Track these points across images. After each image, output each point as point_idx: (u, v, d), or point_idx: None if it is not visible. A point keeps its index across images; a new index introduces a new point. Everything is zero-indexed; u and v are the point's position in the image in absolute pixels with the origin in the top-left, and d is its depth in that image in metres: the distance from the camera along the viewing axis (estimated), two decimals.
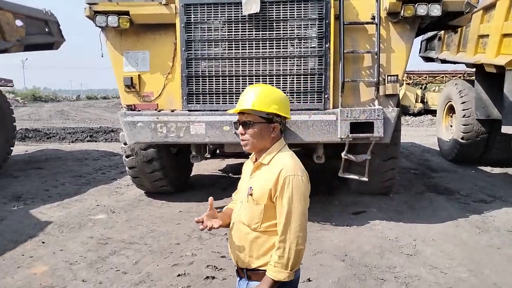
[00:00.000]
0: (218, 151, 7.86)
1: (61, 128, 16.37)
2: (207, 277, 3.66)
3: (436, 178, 7.58)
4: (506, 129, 7.34)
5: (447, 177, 7.65)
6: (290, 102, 4.81)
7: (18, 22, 8.37)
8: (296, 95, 4.85)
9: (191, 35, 4.89)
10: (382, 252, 4.17)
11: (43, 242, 4.61)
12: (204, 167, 8.49)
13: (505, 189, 6.68)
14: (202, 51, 4.91)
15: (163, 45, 5.10)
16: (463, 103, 8.85)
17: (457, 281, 3.55)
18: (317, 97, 4.83)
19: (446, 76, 21.10)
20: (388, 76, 4.79)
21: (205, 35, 4.87)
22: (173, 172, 6.32)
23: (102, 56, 5.34)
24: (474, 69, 9.04)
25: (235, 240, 1.97)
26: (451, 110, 9.77)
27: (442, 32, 9.84)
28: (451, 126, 9.76)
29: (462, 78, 17.95)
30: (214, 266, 3.87)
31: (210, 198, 2.00)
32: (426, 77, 21.47)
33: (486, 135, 8.51)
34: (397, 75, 4.80)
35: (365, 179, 4.98)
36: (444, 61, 10.28)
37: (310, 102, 4.84)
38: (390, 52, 4.83)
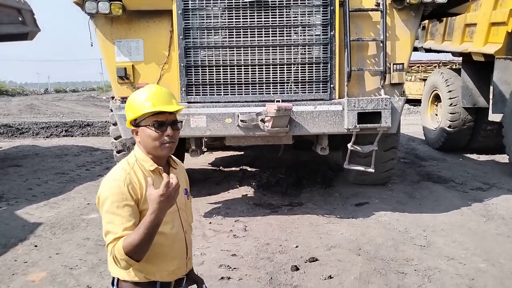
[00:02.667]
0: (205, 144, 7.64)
1: (33, 123, 15.60)
2: (222, 278, 3.48)
3: (427, 167, 7.62)
4: (493, 117, 7.45)
5: (438, 166, 7.70)
6: (295, 93, 4.70)
7: None
8: (301, 85, 4.69)
9: (189, 23, 4.63)
10: (395, 245, 4.09)
11: (35, 246, 4.30)
12: (193, 161, 8.20)
13: (497, 176, 6.77)
14: (201, 39, 4.67)
15: (157, 33, 4.81)
16: (449, 91, 8.92)
17: (478, 272, 3.51)
18: (322, 87, 4.69)
19: (422, 66, 21.40)
20: (393, 64, 4.69)
21: (204, 22, 4.63)
22: None
23: (92, 45, 5.01)
24: (460, 58, 9.14)
25: (188, 249, 1.88)
26: (436, 99, 9.85)
27: (426, 21, 9.89)
28: (437, 114, 9.85)
29: (437, 67, 18.27)
30: (227, 266, 3.68)
31: (165, 174, 1.64)
32: None
33: (472, 123, 8.62)
34: (402, 64, 4.70)
35: (371, 170, 4.90)
36: (428, 50, 10.35)
37: (315, 92, 4.69)
38: (395, 40, 4.73)
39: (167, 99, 1.74)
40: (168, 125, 1.72)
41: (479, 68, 8.03)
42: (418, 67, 22.06)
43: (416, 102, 18.07)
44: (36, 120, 16.92)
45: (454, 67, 14.81)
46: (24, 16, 8.88)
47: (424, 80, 17.04)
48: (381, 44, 4.62)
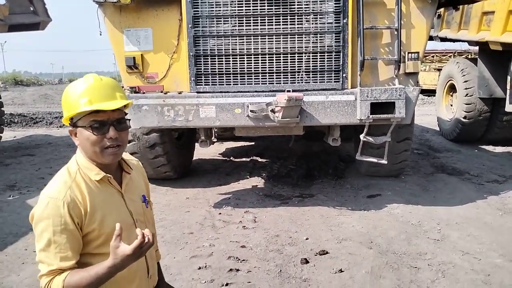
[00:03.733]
0: (215, 135, 7.59)
1: (47, 113, 15.79)
2: (231, 270, 3.44)
3: (441, 158, 7.46)
4: (510, 108, 7.22)
5: (453, 157, 7.54)
6: (306, 82, 4.59)
7: (1, 0, 7.83)
8: (312, 74, 4.58)
9: (198, 11, 4.54)
10: (408, 238, 4.00)
11: None
12: (203, 151, 8.15)
13: None
14: (211, 27, 4.58)
15: (166, 22, 4.73)
16: (465, 81, 8.69)
17: (494, 268, 3.41)
18: (334, 76, 4.58)
19: (436, 55, 21.00)
20: (408, 53, 4.54)
21: (213, 10, 4.54)
22: (176, 157, 6.03)
23: (101, 34, 4.95)
24: (476, 47, 8.88)
25: (149, 267, 1.64)
26: (451, 89, 9.63)
27: (442, 9, 9.62)
28: (451, 105, 9.64)
29: (452, 57, 17.90)
30: (236, 258, 3.64)
31: (118, 225, 1.36)
32: None
33: (488, 114, 8.40)
34: (418, 52, 4.55)
35: (384, 162, 4.79)
36: (444, 39, 10.09)
37: (327, 82, 4.58)
38: (410, 28, 4.58)
39: (108, 93, 1.45)
40: (111, 125, 1.44)
41: (496, 58, 7.78)
42: (433, 56, 21.67)
43: (430, 93, 17.77)
44: (50, 110, 17.10)
45: (469, 56, 14.48)
46: (35, 5, 8.88)
47: (439, 70, 16.72)
48: (396, 32, 4.47)
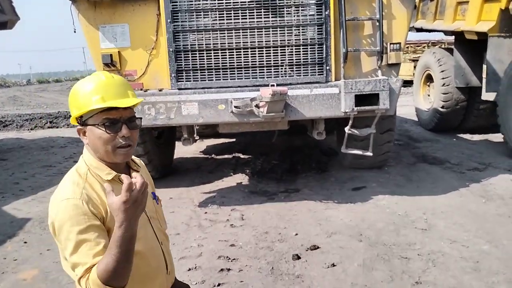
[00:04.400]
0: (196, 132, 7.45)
1: (17, 115, 15.23)
2: (222, 270, 3.36)
3: (421, 148, 7.55)
4: (486, 96, 7.37)
5: (432, 147, 7.64)
6: (290, 76, 4.53)
7: None
8: (296, 67, 4.53)
9: (177, 5, 4.42)
10: (397, 229, 4.01)
11: (25, 242, 4.14)
12: (184, 150, 8.02)
13: (492, 155, 6.72)
14: (190, 22, 4.46)
15: (144, 17, 4.60)
16: (442, 71, 8.81)
17: (482, 254, 3.45)
18: (318, 69, 4.54)
19: (411, 46, 21.30)
20: (390, 44, 4.55)
21: (192, 4, 4.42)
22: (157, 157, 5.89)
23: (75, 31, 4.76)
24: (452, 37, 9.02)
25: (168, 261, 1.61)
26: (428, 79, 9.76)
27: (417, 0, 9.72)
28: (429, 95, 9.77)
29: (427, 47, 18.21)
30: (226, 257, 3.57)
31: (107, 185, 1.32)
32: None
33: (465, 103, 8.55)
34: (399, 43, 4.57)
35: (369, 153, 4.79)
36: (419, 30, 10.21)
37: (310, 75, 4.54)
38: (392, 19, 4.58)
39: (120, 90, 1.43)
40: (123, 123, 1.41)
41: (472, 47, 7.92)
42: (407, 47, 21.95)
43: (406, 83, 18.00)
44: (20, 112, 16.55)
45: (443, 46, 14.74)
46: (2, 4, 8.49)
47: (414, 60, 16.96)
48: (377, 23, 4.47)
